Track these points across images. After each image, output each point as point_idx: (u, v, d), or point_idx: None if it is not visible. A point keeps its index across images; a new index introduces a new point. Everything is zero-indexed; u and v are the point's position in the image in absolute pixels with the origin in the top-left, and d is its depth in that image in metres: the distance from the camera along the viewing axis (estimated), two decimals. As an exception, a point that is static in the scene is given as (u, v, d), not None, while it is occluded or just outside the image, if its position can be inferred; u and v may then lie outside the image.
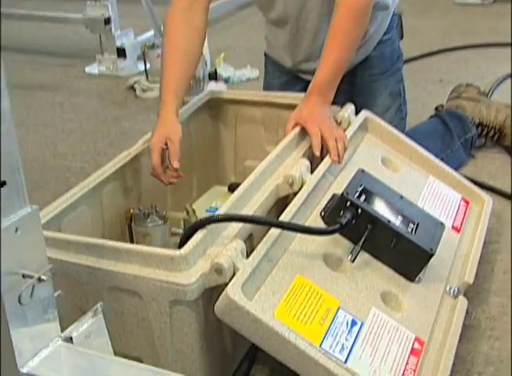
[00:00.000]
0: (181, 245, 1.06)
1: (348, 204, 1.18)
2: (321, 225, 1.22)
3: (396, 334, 1.09)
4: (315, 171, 1.29)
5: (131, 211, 1.38)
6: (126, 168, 1.39)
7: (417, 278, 1.21)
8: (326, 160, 1.34)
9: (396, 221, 1.20)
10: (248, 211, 1.17)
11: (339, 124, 1.48)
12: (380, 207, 1.20)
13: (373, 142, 1.52)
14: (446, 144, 1.85)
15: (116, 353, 1.13)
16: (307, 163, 1.29)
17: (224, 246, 1.06)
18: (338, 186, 1.32)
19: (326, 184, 1.32)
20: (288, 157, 1.34)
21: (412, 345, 1.09)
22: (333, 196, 1.29)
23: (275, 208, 1.26)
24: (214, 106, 1.70)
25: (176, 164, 1.32)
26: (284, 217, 1.16)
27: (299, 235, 1.17)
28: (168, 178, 1.37)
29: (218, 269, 1.00)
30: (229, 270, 1.01)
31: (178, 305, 1.02)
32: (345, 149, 1.38)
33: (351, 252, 1.15)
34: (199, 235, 1.05)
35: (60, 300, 1.13)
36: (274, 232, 1.12)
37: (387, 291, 1.16)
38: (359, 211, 1.18)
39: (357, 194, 1.21)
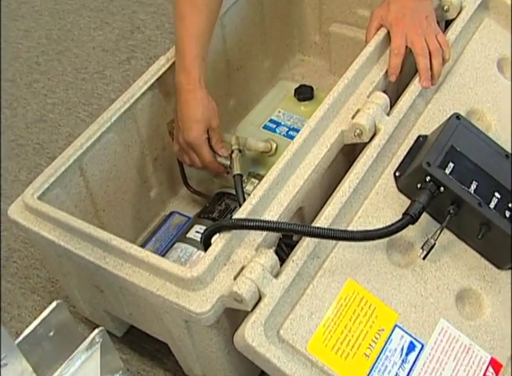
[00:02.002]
0: (203, 242, 0.86)
1: (428, 178, 0.90)
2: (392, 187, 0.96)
3: (465, 357, 0.88)
4: (395, 110, 0.98)
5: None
6: (167, 74, 1.12)
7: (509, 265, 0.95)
8: (412, 89, 1.01)
9: (492, 200, 0.91)
10: (304, 170, 0.92)
11: (446, 11, 1.10)
12: (472, 180, 0.91)
13: (491, 32, 1.13)
14: None
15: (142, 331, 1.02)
16: (383, 99, 0.97)
17: (252, 248, 0.85)
18: (427, 120, 1.01)
19: (412, 116, 1.01)
20: (364, 78, 1.02)
21: (485, 371, 0.89)
22: (417, 140, 0.99)
23: (341, 154, 1.00)
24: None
25: (224, 152, 1.07)
26: (347, 188, 0.90)
27: (360, 211, 0.92)
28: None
29: (237, 300, 0.81)
30: (253, 298, 0.81)
31: (194, 323, 0.86)
32: (445, 62, 1.03)
33: (423, 246, 0.90)
34: (219, 243, 0.83)
35: (73, 276, 1.00)
36: (326, 217, 0.88)
37: (466, 289, 0.92)
38: (441, 188, 0.90)
39: (442, 159, 0.91)
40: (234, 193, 1.10)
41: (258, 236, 0.86)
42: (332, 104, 0.97)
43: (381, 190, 0.95)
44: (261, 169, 1.13)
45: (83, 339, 0.91)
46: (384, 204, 0.94)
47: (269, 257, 0.83)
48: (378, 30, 1.05)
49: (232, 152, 1.05)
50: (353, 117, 0.98)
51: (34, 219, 0.95)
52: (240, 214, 0.86)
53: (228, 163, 1.08)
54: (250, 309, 0.82)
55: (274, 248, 0.85)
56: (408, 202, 0.93)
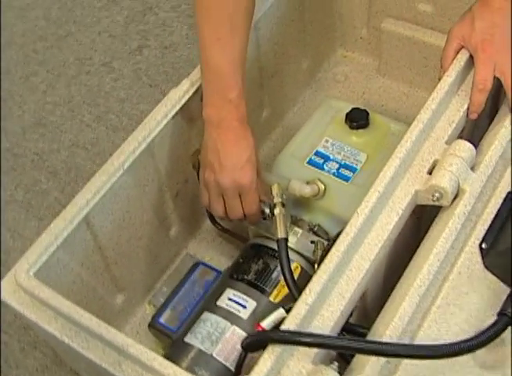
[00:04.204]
0: (244, 349, 0.68)
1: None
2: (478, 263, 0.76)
3: None
4: (483, 164, 0.78)
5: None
6: (192, 99, 0.91)
7: None
8: (503, 134, 0.80)
9: None
10: (370, 247, 0.73)
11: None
12: None
13: None
14: None
15: None
16: (468, 151, 0.76)
17: (309, 360, 0.67)
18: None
19: (499, 165, 0.81)
20: (441, 116, 0.82)
21: None
22: (507, 198, 0.79)
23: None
24: None
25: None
26: (426, 275, 0.71)
27: (440, 299, 0.73)
28: None
29: None
30: None
31: None
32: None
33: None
34: (267, 362, 0.65)
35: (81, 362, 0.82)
36: (401, 317, 0.69)
37: None
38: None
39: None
40: (272, 246, 0.91)
41: (315, 343, 0.68)
42: (404, 159, 0.76)
43: (464, 268, 0.75)
44: (305, 214, 0.93)
45: None
46: (469, 287, 0.75)
47: (330, 377, 0.64)
48: (457, 52, 0.84)
49: (275, 206, 0.85)
50: (430, 172, 0.78)
51: (31, 302, 0.76)
52: (294, 318, 0.67)
53: (267, 210, 0.89)
54: None
55: (336, 364, 0.67)
56: (497, 282, 0.75)
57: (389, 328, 0.69)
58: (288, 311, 0.78)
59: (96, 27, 1.44)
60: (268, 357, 0.65)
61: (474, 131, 0.89)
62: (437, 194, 0.75)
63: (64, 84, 1.36)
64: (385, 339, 0.68)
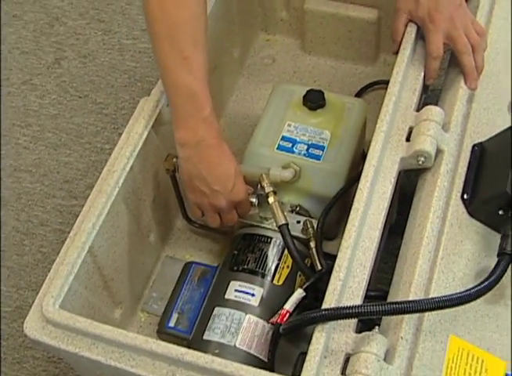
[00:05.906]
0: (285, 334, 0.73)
1: (516, 205, 0.80)
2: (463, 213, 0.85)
3: None
4: (452, 124, 0.86)
5: (174, 159, 0.97)
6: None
7: None
8: (462, 94, 0.88)
9: None
10: (375, 216, 0.80)
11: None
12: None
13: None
14: None
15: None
16: (439, 115, 0.84)
17: (350, 329, 0.72)
18: (476, 123, 0.89)
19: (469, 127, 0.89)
20: (404, 86, 0.89)
21: None
22: (473, 151, 0.87)
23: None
24: None
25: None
26: (431, 231, 0.78)
27: (441, 251, 0.81)
28: None
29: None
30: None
31: None
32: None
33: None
34: (320, 339, 0.70)
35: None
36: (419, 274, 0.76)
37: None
38: (532, 214, 0.80)
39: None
40: (262, 233, 0.96)
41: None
42: (386, 131, 0.83)
43: (454, 220, 0.83)
44: (283, 197, 0.98)
45: None
46: (462, 236, 0.83)
47: (381, 342, 0.70)
48: (406, 26, 0.91)
49: (267, 196, 0.89)
50: (408, 139, 0.85)
51: (63, 334, 0.77)
52: (332, 294, 0.73)
53: (254, 200, 0.93)
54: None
55: (378, 329, 0.73)
56: (482, 226, 0.84)
57: (412, 286, 0.76)
58: (306, 290, 0.84)
59: (4, 44, 1.40)
60: (320, 335, 0.70)
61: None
62: (422, 158, 0.82)
63: (-13, 110, 1.32)
64: (412, 296, 0.75)
